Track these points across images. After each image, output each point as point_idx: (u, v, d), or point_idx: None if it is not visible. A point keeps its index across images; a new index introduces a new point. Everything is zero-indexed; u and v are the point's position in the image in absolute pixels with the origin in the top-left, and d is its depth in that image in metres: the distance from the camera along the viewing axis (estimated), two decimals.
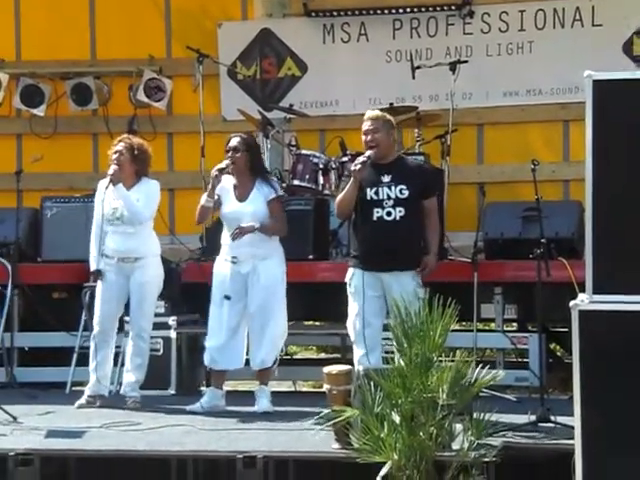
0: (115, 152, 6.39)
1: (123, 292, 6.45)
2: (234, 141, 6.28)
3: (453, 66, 7.70)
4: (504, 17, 8.22)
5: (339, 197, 5.94)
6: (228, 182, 6.30)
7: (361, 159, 5.82)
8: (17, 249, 7.22)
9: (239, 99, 8.50)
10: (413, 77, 7.89)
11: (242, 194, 6.28)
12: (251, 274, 6.20)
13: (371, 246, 5.80)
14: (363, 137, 5.90)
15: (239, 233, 6.11)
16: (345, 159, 7.43)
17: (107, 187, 6.34)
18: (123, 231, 6.40)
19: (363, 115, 7.78)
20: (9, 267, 7.12)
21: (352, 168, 5.84)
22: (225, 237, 6.30)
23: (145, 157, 6.49)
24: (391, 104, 7.67)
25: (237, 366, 6.30)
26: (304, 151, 7.52)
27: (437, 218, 6.01)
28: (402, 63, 8.23)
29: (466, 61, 7.86)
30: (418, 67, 7.88)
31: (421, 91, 8.15)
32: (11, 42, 8.83)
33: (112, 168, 6.35)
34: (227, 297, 6.19)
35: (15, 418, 5.85)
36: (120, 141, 6.46)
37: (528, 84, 8.16)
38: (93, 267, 6.47)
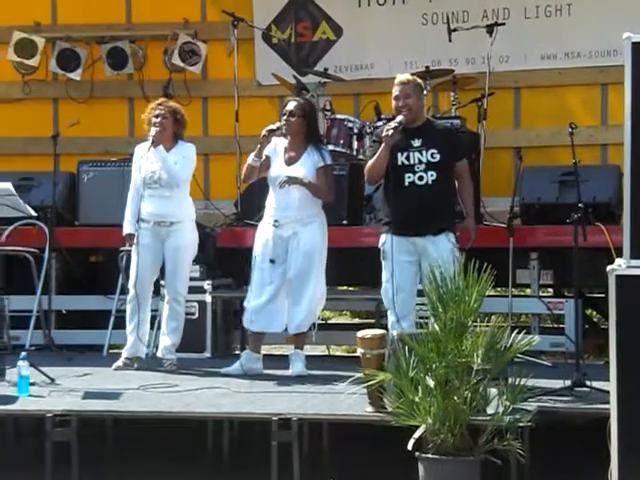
0: (157, 115, 6.42)
1: (158, 256, 6.49)
2: (291, 105, 6.26)
3: (490, 29, 7.60)
4: None
5: (369, 163, 5.90)
6: (280, 145, 6.29)
7: (393, 124, 5.76)
8: (54, 213, 7.27)
9: (274, 63, 8.46)
10: (449, 40, 7.80)
11: (292, 159, 6.26)
12: (292, 239, 6.21)
13: (404, 211, 5.77)
14: (394, 102, 5.84)
15: (286, 182, 6.08)
16: (380, 123, 7.38)
17: (149, 149, 6.37)
18: (160, 194, 6.43)
19: None
20: (46, 230, 7.18)
21: (384, 134, 5.79)
22: (270, 200, 6.30)
23: (184, 121, 6.55)
24: (427, 67, 7.60)
25: (276, 330, 6.31)
26: (339, 115, 7.48)
27: (470, 180, 5.96)
28: (438, 26, 8.15)
29: (503, 24, 7.76)
30: (455, 30, 7.79)
31: (457, 54, 8.06)
32: (47, 6, 8.84)
33: (154, 130, 6.39)
34: (272, 261, 6.21)
35: (53, 380, 5.92)
36: (160, 104, 6.49)
37: (566, 47, 8.04)
38: (126, 231, 6.51)
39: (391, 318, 5.82)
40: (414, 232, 5.76)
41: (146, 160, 6.46)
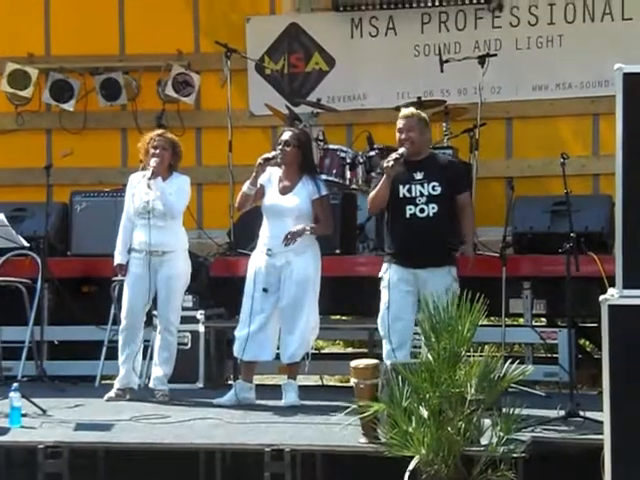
0: (156, 147, 6.44)
1: (150, 286, 6.46)
2: (286, 135, 6.30)
3: (482, 60, 7.66)
4: (533, 10, 8.18)
5: (371, 194, 5.94)
6: (275, 174, 6.31)
7: (394, 156, 5.81)
8: (47, 243, 7.25)
9: (267, 94, 8.50)
10: (441, 71, 7.86)
11: (286, 188, 6.28)
12: (285, 268, 6.21)
13: (405, 243, 5.80)
14: (397, 134, 5.90)
15: (291, 238, 6.11)
16: (372, 153, 7.43)
17: (149, 179, 6.38)
18: (153, 224, 6.43)
19: (391, 109, 7.80)
20: (39, 261, 7.16)
21: (384, 165, 5.83)
22: (264, 229, 6.31)
23: (181, 153, 6.58)
24: (419, 98, 7.65)
25: (266, 358, 6.30)
26: (331, 145, 7.51)
27: (472, 212, 6.01)
28: (430, 57, 8.21)
29: (495, 55, 7.82)
30: (447, 61, 7.84)
31: (449, 85, 8.12)
32: (41, 37, 8.88)
33: (154, 161, 6.40)
34: (265, 290, 6.21)
35: (44, 411, 5.90)
36: (160, 135, 6.52)
37: (557, 78, 8.10)
38: (117, 261, 6.51)
39: (386, 347, 5.81)
40: (414, 264, 5.79)
41: (139, 190, 6.47)
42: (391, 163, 5.77)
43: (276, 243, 6.22)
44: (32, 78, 8.63)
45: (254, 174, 6.24)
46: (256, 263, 6.29)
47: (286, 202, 6.25)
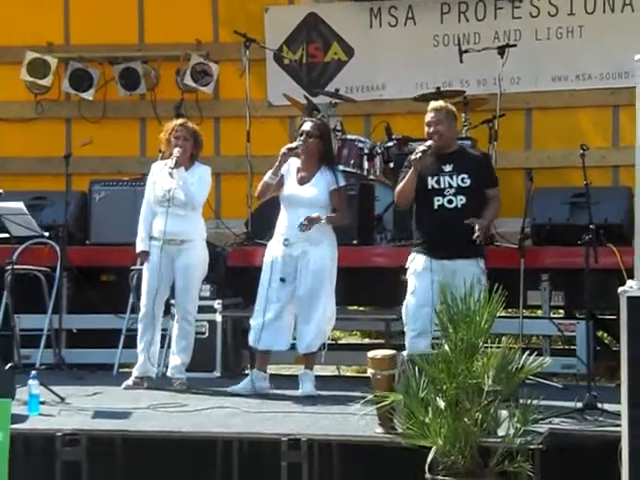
0: (178, 137, 6.44)
1: (169, 274, 6.49)
2: (307, 125, 6.30)
3: (501, 50, 7.63)
4: (553, 1, 8.14)
5: (398, 187, 5.94)
6: (293, 164, 6.31)
7: (421, 148, 5.82)
8: (66, 232, 7.28)
9: (285, 84, 8.50)
10: (461, 61, 7.84)
11: (304, 178, 6.29)
12: (301, 258, 6.22)
13: (433, 234, 5.80)
14: (426, 128, 5.90)
15: (307, 225, 6.12)
16: (390, 144, 7.42)
17: (172, 168, 6.38)
18: (173, 213, 6.45)
19: (410, 100, 7.79)
20: (58, 249, 7.20)
21: (412, 157, 5.84)
22: (281, 218, 6.32)
23: (202, 142, 6.59)
24: (438, 88, 7.63)
25: (281, 348, 6.31)
26: (349, 136, 7.51)
27: (499, 204, 5.95)
28: (450, 47, 8.18)
29: (515, 45, 7.79)
30: (466, 51, 7.82)
31: (469, 75, 8.09)
32: (60, 26, 8.90)
33: (177, 151, 6.41)
34: (282, 279, 6.21)
35: (63, 399, 5.93)
36: (181, 125, 6.52)
37: (577, 69, 8.07)
38: (140, 248, 6.53)
39: (410, 334, 5.80)
40: (442, 255, 5.78)
41: (161, 178, 6.49)
42: (419, 155, 5.78)
43: (293, 233, 6.22)
44: (51, 67, 8.66)
45: (277, 164, 6.24)
46: (273, 253, 6.30)
47: (304, 192, 6.26)
